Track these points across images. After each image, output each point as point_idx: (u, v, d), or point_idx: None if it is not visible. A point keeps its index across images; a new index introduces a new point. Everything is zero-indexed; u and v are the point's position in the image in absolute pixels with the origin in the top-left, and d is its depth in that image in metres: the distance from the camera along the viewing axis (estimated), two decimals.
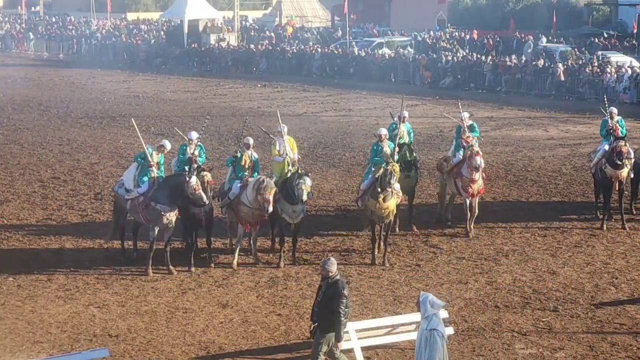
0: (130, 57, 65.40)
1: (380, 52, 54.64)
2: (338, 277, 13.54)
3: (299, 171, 19.57)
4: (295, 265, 19.70)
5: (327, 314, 13.45)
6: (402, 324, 15.54)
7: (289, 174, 19.77)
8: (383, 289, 18.23)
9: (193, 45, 62.55)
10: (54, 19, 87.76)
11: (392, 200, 19.67)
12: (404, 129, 22.29)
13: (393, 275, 19.01)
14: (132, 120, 23.14)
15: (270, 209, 19.08)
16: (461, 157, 21.96)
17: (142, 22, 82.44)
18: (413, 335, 15.40)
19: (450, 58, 50.38)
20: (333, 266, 13.49)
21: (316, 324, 13.68)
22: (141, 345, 15.40)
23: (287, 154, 20.20)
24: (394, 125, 22.11)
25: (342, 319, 13.42)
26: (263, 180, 19.16)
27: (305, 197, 19.34)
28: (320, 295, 13.62)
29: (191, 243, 19.72)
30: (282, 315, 16.73)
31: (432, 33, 62.69)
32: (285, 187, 19.50)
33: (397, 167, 19.71)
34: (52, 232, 22.28)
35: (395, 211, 20.10)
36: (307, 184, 19.21)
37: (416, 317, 15.57)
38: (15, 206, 24.64)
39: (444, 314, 15.68)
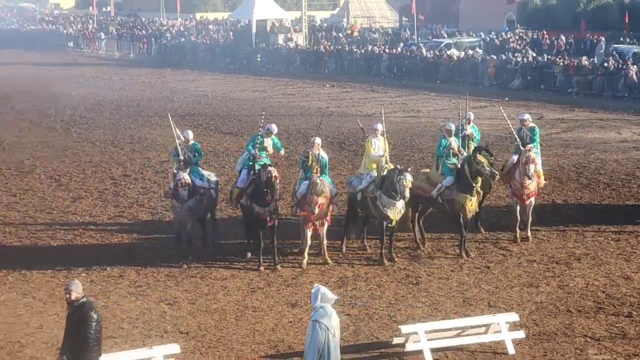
0: (199, 56, 65.88)
1: (448, 53, 54.37)
2: (85, 299, 12.36)
3: (399, 167, 19.50)
4: (392, 262, 19.70)
5: (76, 342, 12.22)
6: (472, 326, 15.40)
7: (386, 171, 19.71)
8: (452, 290, 18.10)
9: (261, 45, 62.88)
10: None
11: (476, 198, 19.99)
12: (471, 130, 22.16)
13: (462, 277, 18.87)
14: (169, 115, 23.35)
15: (316, 211, 19.14)
16: (515, 159, 21.74)
17: (210, 22, 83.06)
18: (483, 338, 15.32)
19: (519, 59, 49.93)
20: (77, 287, 12.30)
21: (64, 357, 12.35)
22: (211, 343, 15.47)
23: (384, 152, 20.15)
24: (461, 127, 21.91)
25: (91, 344, 12.19)
26: (318, 183, 19.26)
27: (407, 194, 19.22)
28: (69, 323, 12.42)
29: (258, 242, 19.73)
30: (351, 316, 16.68)
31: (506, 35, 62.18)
32: (384, 183, 19.48)
33: (481, 157, 19.73)
34: (124, 229, 22.53)
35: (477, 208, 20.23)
36: (407, 179, 19.10)
37: (487, 319, 15.48)
38: (88, 203, 24.96)
39: (514, 317, 15.60)
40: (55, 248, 21.01)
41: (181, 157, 20.24)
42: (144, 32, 76.67)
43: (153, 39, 73.03)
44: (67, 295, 12.33)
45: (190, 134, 20.88)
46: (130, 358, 13.81)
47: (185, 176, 19.49)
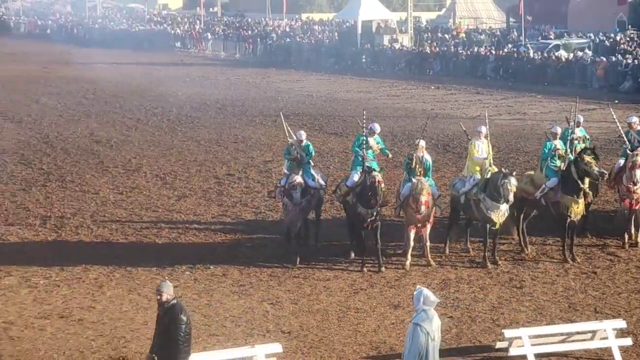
0: (304, 57, 66.19)
1: (556, 54, 53.48)
2: (175, 301, 12.48)
3: (504, 170, 19.32)
4: (495, 265, 19.50)
5: (166, 343, 12.39)
6: (578, 332, 15.09)
7: (490, 174, 19.56)
8: (557, 295, 17.78)
9: (366, 46, 62.87)
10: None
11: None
12: (580, 133, 21.81)
13: (568, 282, 18.53)
14: (281, 114, 23.49)
15: (423, 209, 19.01)
16: (622, 163, 21.24)
17: (316, 22, 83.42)
18: (589, 345, 15.00)
19: (630, 61, 48.85)
20: (168, 289, 12.45)
21: (154, 356, 12.53)
22: (313, 343, 15.49)
23: (487, 154, 19.99)
24: (570, 131, 21.52)
25: (181, 346, 12.34)
26: (415, 182, 19.19)
27: (511, 197, 19.02)
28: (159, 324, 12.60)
29: (361, 243, 19.69)
30: (454, 318, 16.53)
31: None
32: (488, 186, 19.32)
33: (588, 157, 19.42)
34: (227, 228, 22.71)
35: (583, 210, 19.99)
36: (512, 183, 18.90)
37: (593, 325, 15.16)
38: (192, 202, 25.25)
39: (621, 324, 15.23)
40: (160, 246, 21.31)
41: (292, 156, 20.36)
42: (249, 32, 77.38)
43: (259, 39, 73.62)
44: (158, 297, 12.47)
45: (303, 134, 20.94)
46: (232, 356, 13.92)
47: (298, 178, 19.59)
